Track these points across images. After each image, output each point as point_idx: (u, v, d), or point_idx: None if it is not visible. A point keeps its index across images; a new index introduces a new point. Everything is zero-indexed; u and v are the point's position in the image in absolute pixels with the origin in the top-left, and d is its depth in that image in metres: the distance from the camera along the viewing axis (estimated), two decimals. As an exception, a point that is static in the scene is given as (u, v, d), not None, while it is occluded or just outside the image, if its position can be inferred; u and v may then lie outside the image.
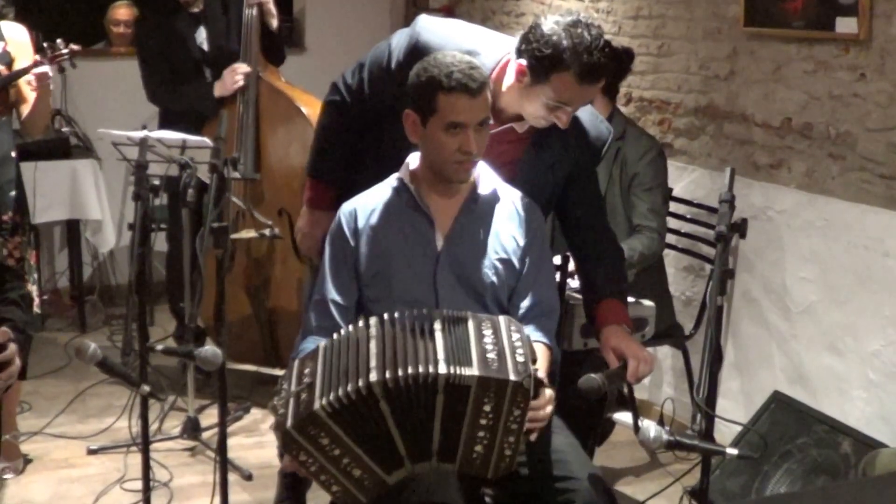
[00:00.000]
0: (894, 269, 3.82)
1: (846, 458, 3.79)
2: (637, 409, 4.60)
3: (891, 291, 3.84)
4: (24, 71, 4.26)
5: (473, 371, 2.51)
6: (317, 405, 2.51)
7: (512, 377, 2.51)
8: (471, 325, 2.66)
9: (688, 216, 4.62)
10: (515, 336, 2.64)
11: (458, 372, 2.51)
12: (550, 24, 2.90)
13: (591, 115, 3.19)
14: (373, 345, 2.61)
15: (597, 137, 3.18)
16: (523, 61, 2.93)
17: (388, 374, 2.51)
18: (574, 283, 3.73)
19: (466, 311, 2.75)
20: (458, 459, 2.60)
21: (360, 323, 2.70)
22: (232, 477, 3.93)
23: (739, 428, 4.16)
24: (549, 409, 2.73)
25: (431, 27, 3.12)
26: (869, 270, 3.92)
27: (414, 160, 2.99)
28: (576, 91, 2.90)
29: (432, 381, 2.51)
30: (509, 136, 3.01)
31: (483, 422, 2.54)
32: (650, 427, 2.61)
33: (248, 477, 4.36)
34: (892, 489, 2.47)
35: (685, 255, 4.71)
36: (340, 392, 2.51)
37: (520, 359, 2.56)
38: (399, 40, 3.16)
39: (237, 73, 5.04)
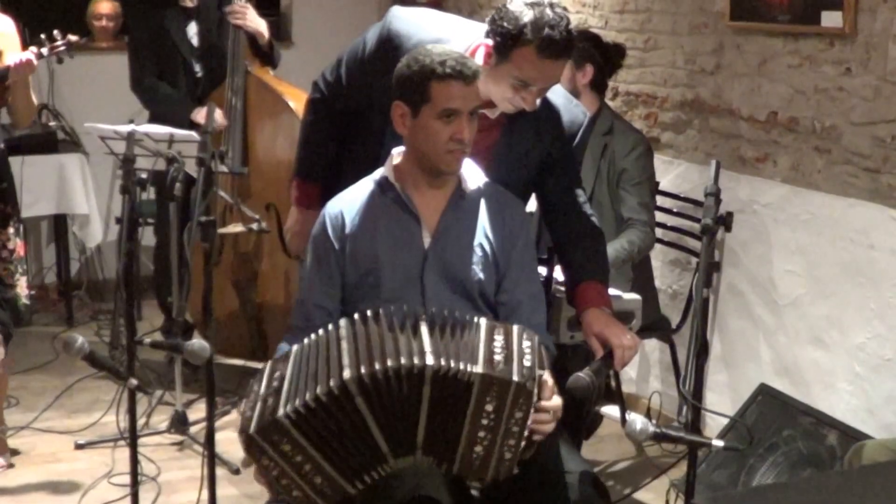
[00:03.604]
0: (880, 261, 3.84)
1: (832, 450, 3.81)
2: (624, 402, 4.61)
3: (876, 284, 3.86)
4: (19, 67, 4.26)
5: (478, 369, 2.51)
6: (280, 412, 2.51)
7: (516, 378, 2.50)
8: (483, 328, 2.66)
9: (674, 210, 4.63)
10: (526, 343, 2.64)
11: (460, 367, 2.50)
12: (516, 4, 2.93)
13: (564, 99, 3.19)
14: (344, 344, 2.60)
15: (571, 121, 3.18)
16: (490, 41, 2.95)
17: (363, 370, 2.50)
18: (561, 276, 3.75)
19: (456, 309, 2.74)
20: (457, 460, 2.59)
21: (330, 327, 2.69)
22: (220, 471, 3.92)
23: (726, 421, 4.18)
24: (554, 415, 2.69)
25: (402, 15, 3.14)
26: (854, 263, 3.94)
27: (397, 155, 2.99)
28: (537, 67, 2.89)
29: (418, 372, 2.50)
30: (482, 124, 3.01)
31: (484, 422, 2.53)
32: (636, 419, 2.62)
33: (236, 471, 4.36)
34: (877, 480, 2.49)
35: (671, 248, 4.72)
36: (308, 396, 2.50)
37: (527, 363, 2.56)
38: (372, 31, 3.19)
39: (218, 122, 4.96)
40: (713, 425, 4.42)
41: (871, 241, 3.87)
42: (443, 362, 2.51)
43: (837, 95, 3.97)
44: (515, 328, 2.70)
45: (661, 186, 4.66)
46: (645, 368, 5.04)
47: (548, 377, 2.70)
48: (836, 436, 3.82)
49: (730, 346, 4.54)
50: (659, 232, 4.49)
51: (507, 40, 2.90)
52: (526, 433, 2.57)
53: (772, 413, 4.07)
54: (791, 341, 4.23)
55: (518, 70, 2.91)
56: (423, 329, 2.61)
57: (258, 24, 5.08)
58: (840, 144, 3.98)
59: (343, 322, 2.68)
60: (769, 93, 4.28)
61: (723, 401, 4.53)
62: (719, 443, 2.66)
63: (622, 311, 3.31)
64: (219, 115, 4.96)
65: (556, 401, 2.70)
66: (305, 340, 2.70)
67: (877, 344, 3.86)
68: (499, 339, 2.63)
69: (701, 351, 2.81)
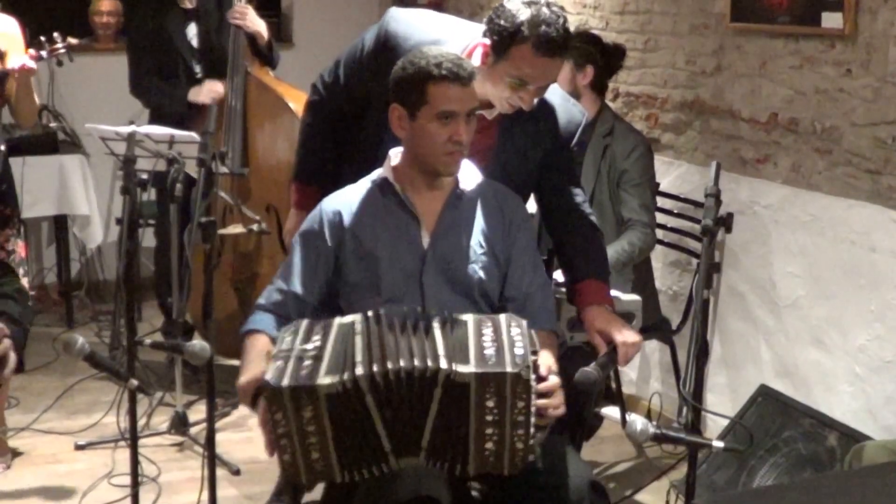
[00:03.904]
0: (880, 263, 3.84)
1: (832, 451, 3.81)
2: (624, 403, 4.61)
3: (877, 286, 3.86)
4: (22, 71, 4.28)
5: (470, 368, 2.51)
6: (322, 380, 2.51)
7: (509, 369, 2.50)
8: (470, 324, 2.67)
9: (674, 211, 4.63)
10: (515, 330, 2.64)
11: (455, 369, 2.51)
12: (512, 2, 2.94)
13: (562, 99, 3.20)
14: (357, 340, 2.61)
15: (569, 121, 3.19)
16: (487, 41, 2.96)
17: (375, 368, 2.52)
18: (560, 277, 3.74)
19: (456, 309, 2.77)
20: (471, 460, 2.59)
21: (347, 318, 2.71)
22: (220, 472, 3.92)
23: (726, 422, 4.18)
24: (558, 397, 2.71)
25: (399, 17, 3.16)
26: (855, 265, 3.94)
27: (395, 156, 2.99)
28: (533, 64, 2.91)
29: (432, 375, 2.51)
30: (479, 124, 3.01)
31: (489, 418, 2.54)
32: (636, 420, 2.62)
33: (237, 472, 4.36)
34: (877, 481, 2.49)
35: (672, 249, 4.72)
36: (346, 376, 2.52)
37: (518, 351, 2.56)
38: (370, 33, 3.21)
39: (214, 92, 5.03)
40: (713, 426, 4.42)
41: (871, 242, 3.87)
42: (452, 366, 2.52)
43: (838, 96, 3.97)
44: (502, 317, 2.72)
45: (662, 188, 4.66)
46: (645, 370, 5.04)
47: (544, 358, 2.72)
48: (837, 437, 3.82)
49: (730, 348, 4.54)
50: (659, 233, 4.49)
51: (504, 38, 2.91)
52: (533, 419, 2.57)
53: (772, 414, 4.07)
54: (791, 343, 4.23)
55: (515, 69, 2.92)
56: (436, 330, 2.63)
57: (258, 24, 5.09)
58: (841, 146, 3.98)
59: (358, 317, 2.69)
60: (770, 94, 4.28)
61: (723, 402, 4.53)
62: (719, 444, 2.66)
63: (622, 313, 3.31)
64: (217, 91, 5.00)
65: (554, 380, 2.71)
66: (351, 319, 2.70)
67: (877, 345, 3.86)
68: (487, 332, 2.64)
69: (701, 352, 2.81)
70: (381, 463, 2.59)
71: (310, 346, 2.63)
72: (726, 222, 2.96)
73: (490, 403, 2.53)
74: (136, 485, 3.57)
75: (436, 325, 2.64)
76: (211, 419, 3.34)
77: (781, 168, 4.25)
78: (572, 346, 3.41)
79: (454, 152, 2.85)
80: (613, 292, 3.34)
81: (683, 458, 3.25)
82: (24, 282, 4.35)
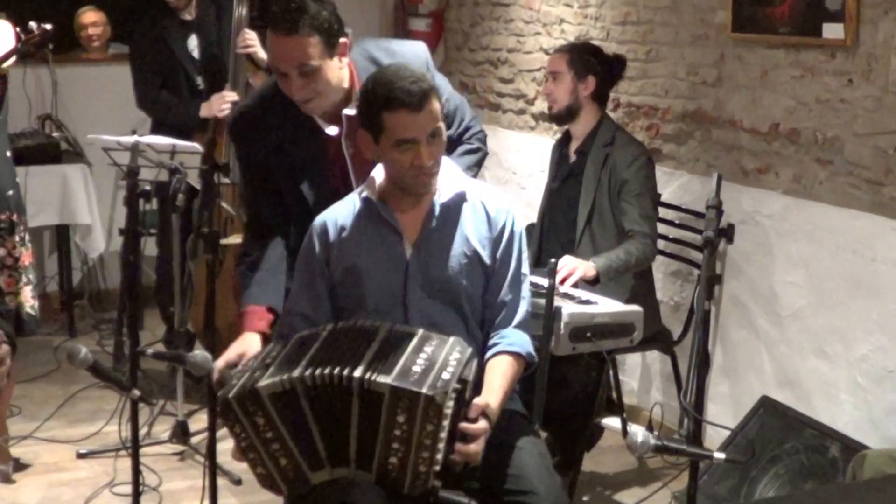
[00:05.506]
0: (882, 273, 3.84)
1: (834, 462, 3.80)
2: (625, 413, 4.61)
3: (878, 296, 3.86)
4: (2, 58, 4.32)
5: (388, 380, 2.54)
6: (261, 384, 2.59)
7: (425, 390, 2.52)
8: (415, 339, 2.71)
9: (676, 221, 4.63)
10: (455, 355, 2.66)
11: (372, 378, 2.55)
12: None
13: (391, 58, 3.22)
14: (315, 345, 2.70)
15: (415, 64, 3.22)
16: None
17: (307, 372, 2.58)
18: (563, 287, 3.75)
19: (440, 319, 2.85)
20: (374, 469, 2.63)
21: (322, 326, 2.80)
22: (221, 482, 3.93)
23: (728, 433, 4.17)
24: (478, 444, 2.68)
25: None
26: (857, 275, 3.93)
27: (378, 174, 3.01)
28: (275, 46, 3.02)
29: (346, 383, 2.57)
30: (337, 141, 3.18)
31: (397, 433, 2.57)
32: (637, 431, 2.62)
33: (238, 482, 4.36)
34: (878, 493, 2.49)
35: (673, 260, 4.72)
36: (284, 377, 2.60)
37: (444, 376, 2.57)
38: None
39: (225, 101, 5.03)
40: (715, 437, 4.41)
41: (873, 252, 3.87)
42: (367, 375, 2.56)
43: (839, 107, 3.98)
44: (451, 339, 2.74)
45: (663, 198, 4.65)
46: (646, 380, 5.04)
47: (479, 399, 2.72)
48: (839, 448, 3.81)
49: (732, 358, 4.53)
50: (661, 243, 4.48)
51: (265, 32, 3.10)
52: (440, 446, 2.57)
53: (774, 425, 4.06)
54: (793, 353, 4.23)
55: (271, 56, 3.05)
56: (376, 342, 2.68)
57: (262, 51, 5.11)
58: (842, 156, 3.98)
59: (329, 325, 2.80)
60: (771, 104, 4.28)
61: (725, 412, 4.52)
62: (720, 455, 2.66)
63: (624, 323, 3.31)
64: (228, 100, 5.02)
65: (482, 424, 2.70)
66: (300, 333, 2.81)
67: (879, 355, 3.86)
68: (427, 351, 2.66)
69: (702, 363, 2.81)
70: (321, 468, 2.64)
71: (266, 361, 2.71)
72: (727, 233, 2.96)
73: (400, 419, 2.55)
74: (137, 494, 3.57)
75: (380, 337, 2.70)
76: (212, 428, 3.34)
77: (783, 178, 4.25)
78: (574, 355, 3.41)
79: (420, 175, 2.87)
80: (614, 303, 3.34)
81: (685, 469, 3.25)
82: (29, 290, 4.36)
